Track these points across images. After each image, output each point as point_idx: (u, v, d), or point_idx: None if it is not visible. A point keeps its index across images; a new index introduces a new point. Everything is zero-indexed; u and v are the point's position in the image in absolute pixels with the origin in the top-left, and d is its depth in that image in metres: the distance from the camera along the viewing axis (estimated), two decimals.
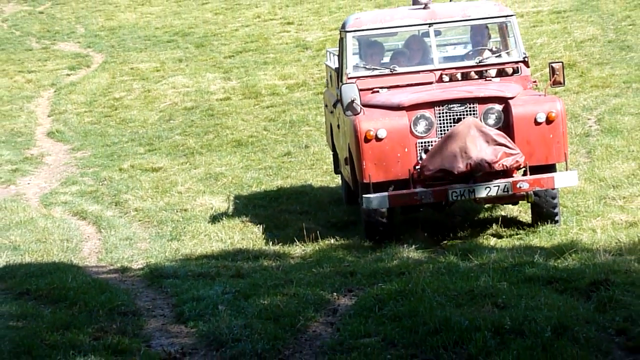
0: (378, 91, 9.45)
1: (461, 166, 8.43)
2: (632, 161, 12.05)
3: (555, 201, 9.17)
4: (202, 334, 7.06)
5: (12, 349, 6.52)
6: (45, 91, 18.69)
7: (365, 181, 8.94)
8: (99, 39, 22.44)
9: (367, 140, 8.73)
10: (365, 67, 9.88)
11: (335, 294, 8.04)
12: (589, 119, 14.30)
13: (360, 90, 9.25)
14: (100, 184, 14.01)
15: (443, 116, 8.91)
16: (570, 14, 19.95)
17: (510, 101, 8.84)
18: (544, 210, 9.20)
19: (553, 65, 9.48)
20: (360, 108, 8.94)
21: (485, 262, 8.14)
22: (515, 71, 9.53)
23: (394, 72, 9.67)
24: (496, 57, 9.89)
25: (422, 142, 8.91)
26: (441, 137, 8.81)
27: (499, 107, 8.87)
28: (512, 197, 9.09)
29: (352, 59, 9.78)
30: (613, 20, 19.10)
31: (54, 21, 23.70)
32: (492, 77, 9.51)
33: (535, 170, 8.80)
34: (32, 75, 19.71)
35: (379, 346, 6.29)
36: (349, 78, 9.55)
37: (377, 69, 9.83)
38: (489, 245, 9.59)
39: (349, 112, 9.01)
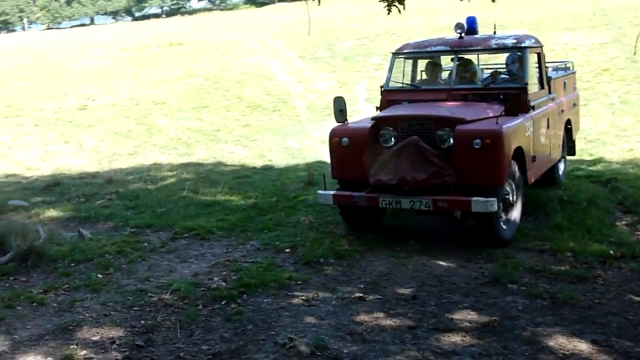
0: (400, 103, 7.53)
1: (392, 179, 6.40)
2: (633, 117, 13.70)
3: (489, 224, 6.42)
4: None
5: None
6: (363, 80, 22.29)
7: (333, 178, 7.20)
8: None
9: (334, 145, 6.97)
10: (396, 83, 7.83)
11: None
12: (613, 97, 15.74)
13: (389, 100, 7.68)
14: None
15: (404, 131, 6.76)
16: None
17: (457, 125, 6.46)
18: (480, 231, 6.60)
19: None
20: (345, 118, 7.14)
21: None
22: (513, 96, 6.95)
23: (418, 88, 7.75)
24: (499, 82, 7.50)
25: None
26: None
27: (449, 129, 6.52)
28: (438, 212, 6.55)
29: (391, 76, 7.86)
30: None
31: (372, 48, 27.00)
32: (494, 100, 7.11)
33: (468, 190, 6.33)
34: (359, 73, 23.20)
35: None
36: (382, 91, 7.86)
37: (405, 85, 7.84)
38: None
39: (338, 120, 7.17)
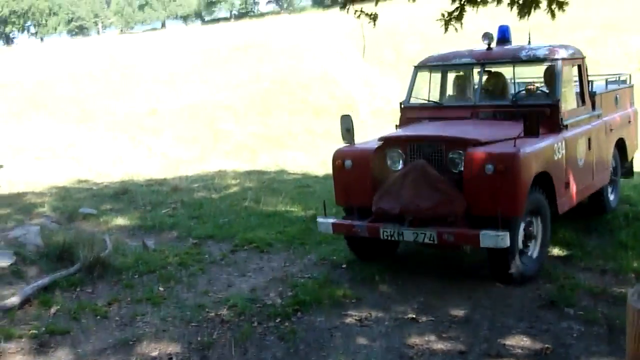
0: (420, 121, 6.88)
1: (395, 208, 5.71)
2: None
3: (503, 260, 5.67)
4: None
5: None
6: None
7: (338, 204, 6.65)
8: None
9: (337, 168, 6.31)
10: (419, 99, 7.15)
11: None
12: None
13: (408, 118, 7.03)
14: None
15: (413, 153, 6.06)
16: None
17: (469, 147, 5.68)
18: (492, 267, 5.85)
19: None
20: (353, 138, 6.36)
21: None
22: (534, 115, 5.67)
23: (440, 105, 7.05)
24: (528, 99, 6.68)
25: None
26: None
27: (461, 151, 5.77)
28: (445, 246, 5.80)
29: (412, 91, 7.17)
30: None
31: None
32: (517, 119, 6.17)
33: (481, 221, 5.52)
34: None
35: None
36: (402, 108, 7.17)
37: (426, 101, 7.12)
38: None
39: (345, 141, 6.41)
